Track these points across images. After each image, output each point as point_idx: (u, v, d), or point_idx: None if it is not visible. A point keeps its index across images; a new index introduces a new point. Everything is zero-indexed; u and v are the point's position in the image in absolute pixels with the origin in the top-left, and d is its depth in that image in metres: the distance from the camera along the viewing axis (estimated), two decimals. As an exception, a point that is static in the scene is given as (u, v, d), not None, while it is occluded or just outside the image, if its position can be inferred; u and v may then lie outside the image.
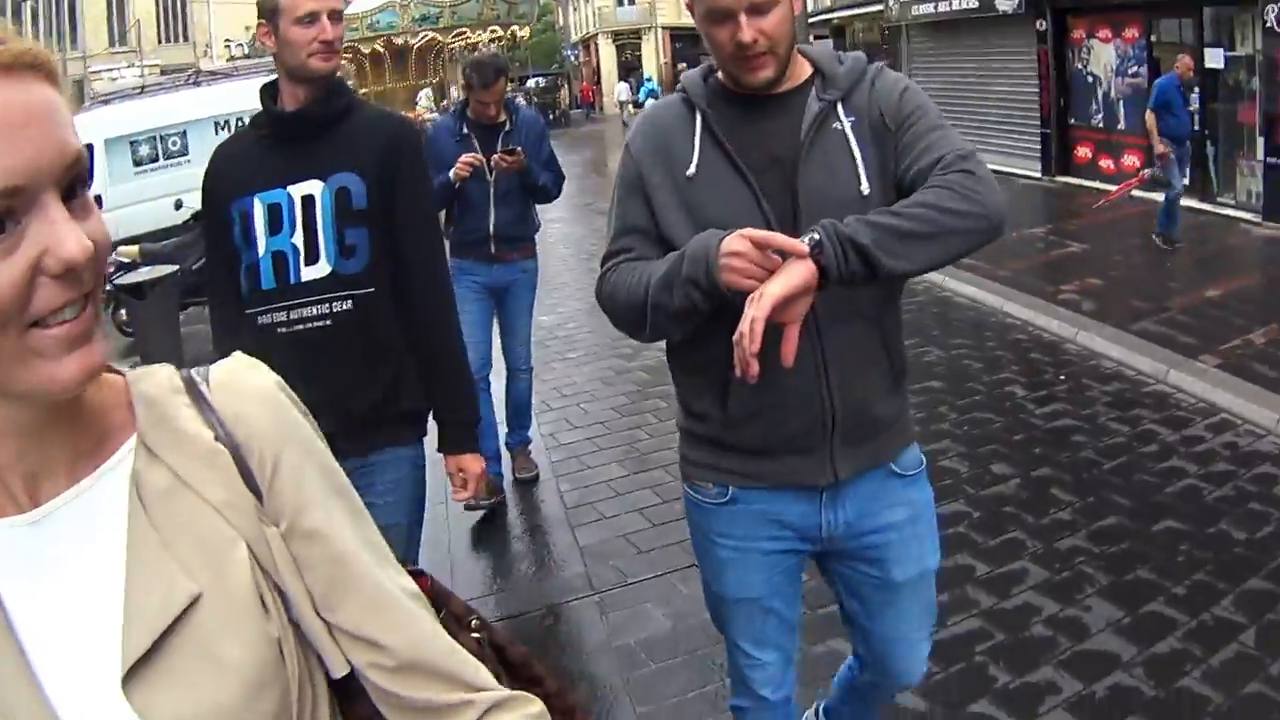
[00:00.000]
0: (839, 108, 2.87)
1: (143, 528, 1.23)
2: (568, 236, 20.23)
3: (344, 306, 3.63)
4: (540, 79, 66.04)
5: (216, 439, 1.31)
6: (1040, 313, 11.93)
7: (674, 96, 3.09)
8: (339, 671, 1.36)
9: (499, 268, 7.13)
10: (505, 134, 6.97)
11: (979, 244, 2.67)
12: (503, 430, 7.76)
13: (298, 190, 3.61)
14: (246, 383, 1.39)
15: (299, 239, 3.60)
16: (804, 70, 2.97)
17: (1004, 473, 7.66)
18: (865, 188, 2.79)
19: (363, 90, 44.49)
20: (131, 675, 1.16)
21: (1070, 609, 5.73)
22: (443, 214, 6.91)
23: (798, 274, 2.48)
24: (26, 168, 1.08)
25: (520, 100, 33.67)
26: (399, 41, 43.20)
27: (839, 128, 2.85)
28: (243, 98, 21.18)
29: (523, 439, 7.95)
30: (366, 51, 43.08)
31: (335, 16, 3.59)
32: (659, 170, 2.96)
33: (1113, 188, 17.72)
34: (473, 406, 3.98)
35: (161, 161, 18.85)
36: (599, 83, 68.32)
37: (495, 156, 6.70)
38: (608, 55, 68.91)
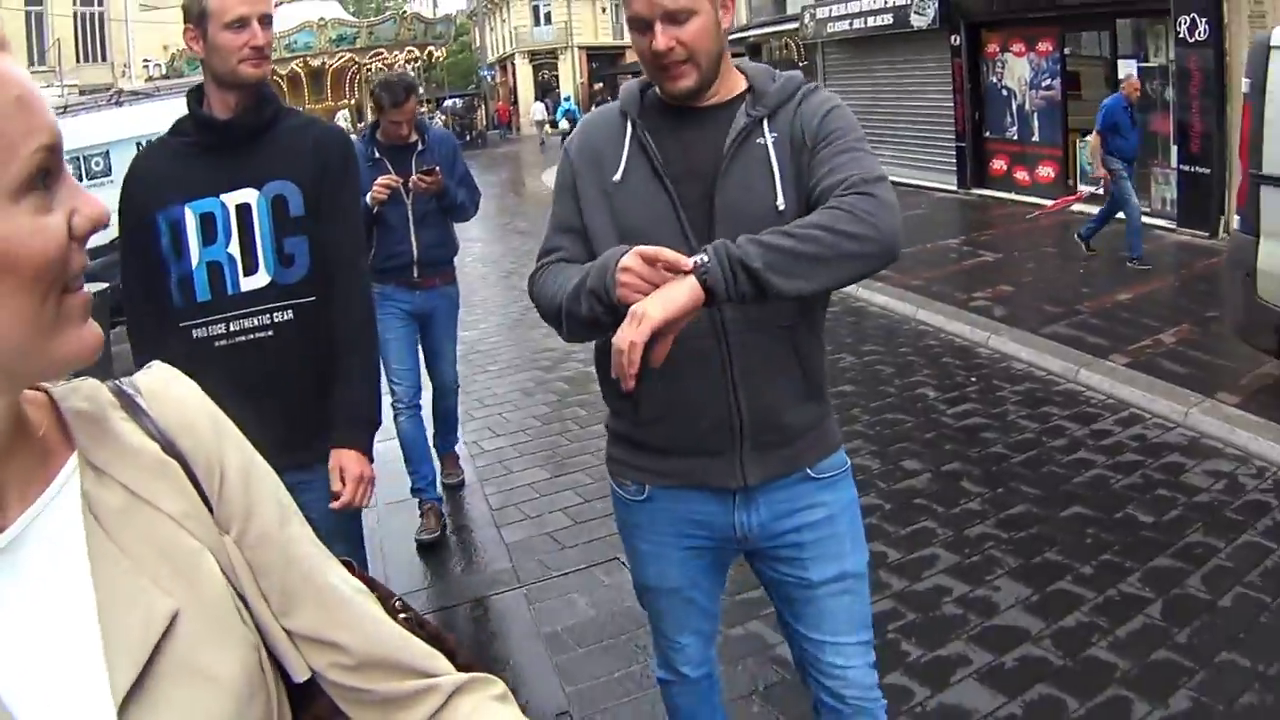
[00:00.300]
0: (764, 124, 2.91)
1: (106, 549, 1.18)
2: (487, 255, 20.30)
3: (285, 316, 3.60)
4: (457, 100, 65.99)
5: (163, 450, 1.29)
6: (952, 319, 12.17)
7: (613, 105, 3.12)
8: (301, 676, 1.34)
9: (421, 294, 6.99)
10: (419, 154, 6.85)
11: (872, 268, 2.70)
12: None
13: (232, 199, 3.55)
14: (180, 391, 1.38)
15: (235, 248, 3.55)
16: (738, 85, 3.01)
17: (915, 468, 7.87)
18: (781, 203, 2.83)
19: None
20: (125, 705, 1.12)
21: (980, 589, 5.93)
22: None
23: (681, 294, 2.49)
24: (54, 128, 1.11)
25: (438, 121, 33.88)
26: (316, 63, 43.18)
27: (762, 143, 2.89)
28: (164, 118, 21.14)
29: (451, 443, 8.00)
30: (284, 72, 42.83)
31: (265, 21, 3.53)
32: (589, 174, 3.02)
33: (1048, 202, 18.15)
34: (375, 411, 3.91)
35: (85, 182, 18.24)
36: (515, 103, 68.39)
37: (413, 178, 6.55)
38: (525, 75, 69.00)
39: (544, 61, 68.49)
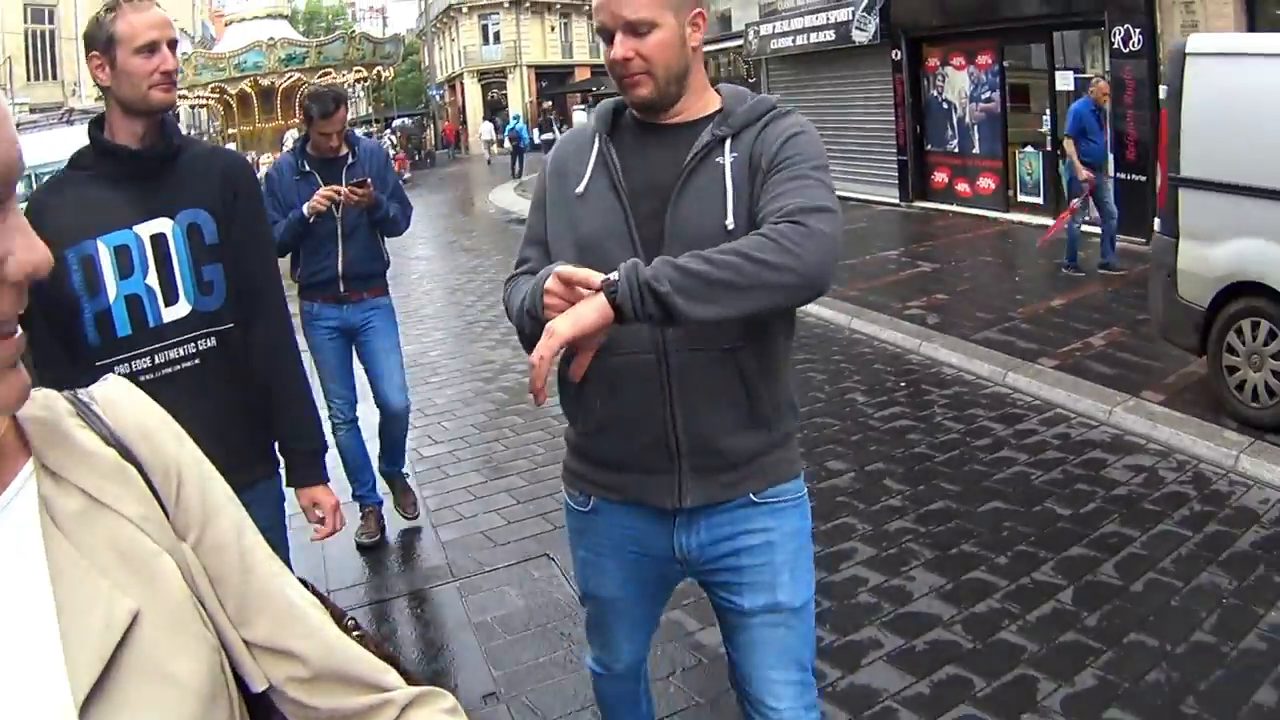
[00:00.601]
0: (726, 144, 2.91)
1: (65, 552, 1.18)
2: (433, 273, 20.36)
3: (210, 344, 3.57)
4: (406, 119, 66.06)
5: (120, 456, 1.29)
6: (885, 327, 12.37)
7: (588, 121, 3.15)
8: (258, 686, 1.34)
9: (350, 308, 6.81)
10: (348, 167, 6.66)
11: (793, 299, 2.71)
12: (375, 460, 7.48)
13: (146, 229, 3.47)
14: (135, 400, 1.38)
15: (153, 279, 3.48)
16: (711, 105, 3.02)
17: (839, 468, 8.05)
18: (730, 223, 2.82)
19: (230, 130, 44.71)
20: (86, 707, 1.11)
21: (895, 579, 6.12)
22: (287, 256, 6.69)
23: (590, 313, 2.55)
24: (6, 159, 1.11)
25: (388, 140, 33.58)
26: (265, 82, 43.56)
27: (720, 162, 2.89)
28: None
29: (398, 469, 7.55)
30: (234, 92, 43.57)
31: (173, 46, 3.49)
32: (557, 186, 3.08)
33: (1000, 216, 18.37)
34: (319, 436, 3.92)
35: None
36: (465, 122, 68.48)
37: (344, 190, 6.35)
38: (473, 94, 69.05)
39: (493, 81, 68.68)
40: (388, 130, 55.48)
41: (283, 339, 3.82)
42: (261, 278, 3.75)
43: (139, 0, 3.50)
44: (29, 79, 44.74)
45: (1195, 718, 4.71)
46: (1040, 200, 18.79)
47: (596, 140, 3.03)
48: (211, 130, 51.61)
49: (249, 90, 43.03)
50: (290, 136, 40.34)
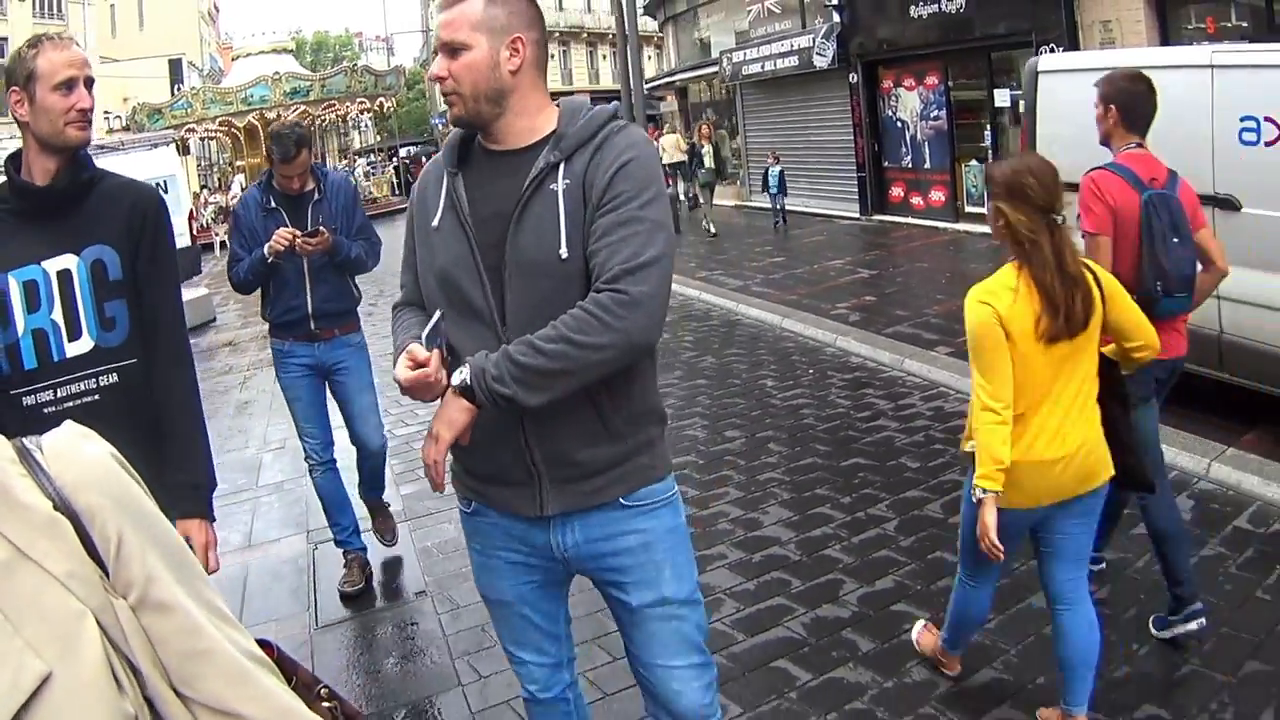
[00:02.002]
0: (560, 169, 2.92)
1: None
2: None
3: (110, 380, 3.56)
4: (411, 147, 66.67)
5: (55, 508, 1.28)
6: (810, 325, 13.42)
7: (441, 152, 3.23)
8: None
9: (322, 346, 6.59)
10: (315, 203, 6.44)
11: (623, 364, 2.84)
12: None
13: (53, 265, 3.47)
14: (83, 451, 1.37)
15: (59, 315, 3.47)
16: (550, 124, 3.04)
17: (733, 436, 9.22)
18: (564, 252, 2.86)
19: (239, 162, 44.81)
20: None
21: (752, 513, 7.30)
22: (258, 291, 6.67)
23: (458, 416, 2.79)
24: None
25: (388, 171, 33.46)
26: (272, 115, 43.16)
27: (554, 189, 2.91)
28: (127, 170, 22.34)
29: (377, 497, 7.37)
30: (241, 125, 43.87)
31: (89, 84, 3.49)
32: (419, 218, 3.17)
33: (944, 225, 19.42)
34: (207, 471, 3.82)
35: None
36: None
37: (298, 242, 6.10)
38: (474, 123, 69.80)
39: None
40: (391, 160, 56.00)
41: (181, 373, 3.79)
42: (163, 311, 3.73)
43: (60, 38, 3.53)
44: None
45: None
46: (985, 210, 19.85)
47: (444, 173, 3.12)
48: (221, 161, 52.02)
49: (255, 123, 43.24)
50: None
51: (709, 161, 24.23)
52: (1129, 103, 5.61)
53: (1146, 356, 4.41)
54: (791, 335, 13.30)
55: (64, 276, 3.47)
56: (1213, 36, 15.70)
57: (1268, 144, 7.63)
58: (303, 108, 44.32)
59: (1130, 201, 5.21)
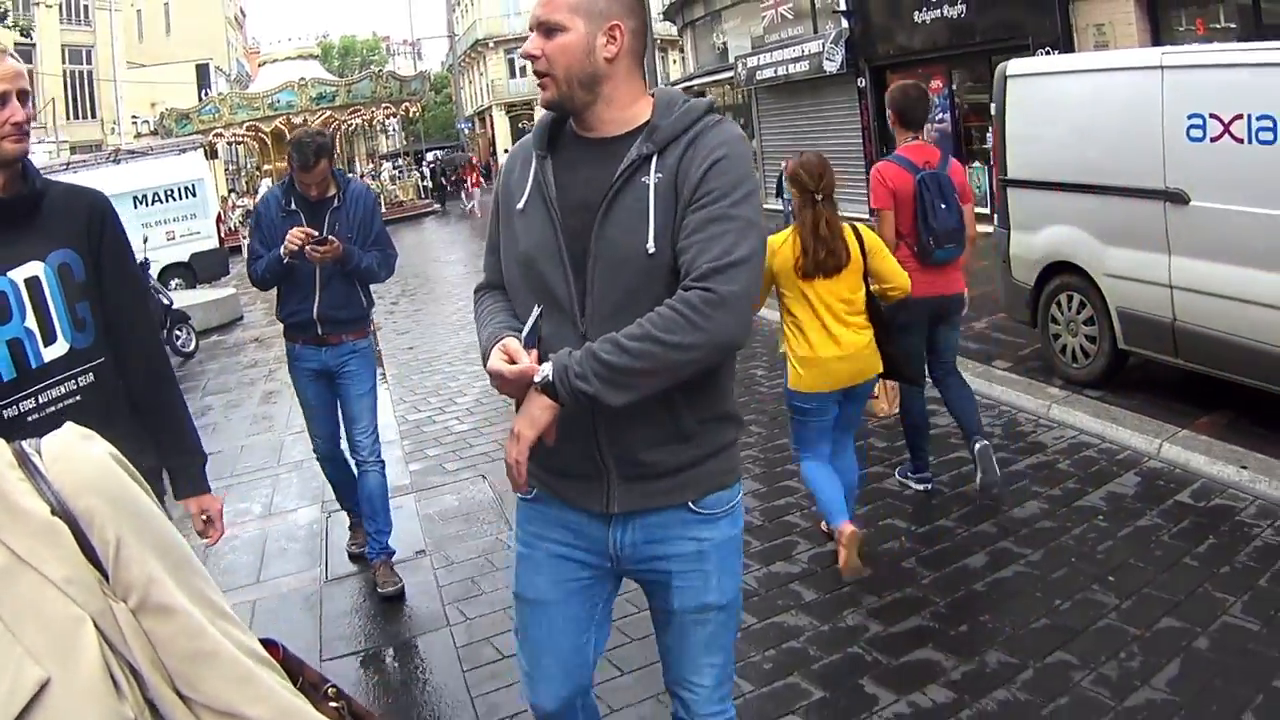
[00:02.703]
0: (653, 161, 2.87)
1: None
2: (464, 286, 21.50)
3: (87, 380, 3.57)
4: (438, 151, 67.18)
5: (53, 512, 1.28)
6: (804, 319, 13.77)
7: (531, 134, 3.16)
8: None
9: (329, 350, 6.63)
10: (333, 210, 6.49)
11: (709, 364, 2.83)
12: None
13: (19, 274, 3.44)
14: (81, 454, 1.36)
15: (32, 322, 3.45)
16: (644, 113, 2.99)
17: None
18: (651, 247, 2.81)
19: (265, 166, 45.48)
20: None
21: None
22: (270, 290, 6.82)
23: (541, 414, 2.76)
24: None
25: (384, 175, 33.49)
26: (298, 120, 43.45)
27: (646, 182, 2.86)
28: (156, 174, 23.61)
29: (382, 548, 6.93)
30: (268, 129, 44.54)
31: (24, 97, 3.41)
32: (505, 200, 3.12)
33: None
34: (199, 449, 3.96)
35: None
36: (494, 154, 69.68)
37: (307, 248, 6.15)
38: (502, 126, 70.25)
39: (521, 113, 69.34)
40: (417, 165, 56.42)
41: (157, 366, 3.89)
42: (132, 310, 3.80)
43: None
44: (68, 118, 46.03)
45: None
46: (986, 210, 20.28)
47: (534, 157, 3.04)
48: (249, 166, 52.57)
49: (282, 128, 43.60)
50: None
51: None
52: (904, 108, 7.30)
53: (896, 295, 6.31)
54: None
55: (32, 283, 3.47)
56: (1202, 37, 16.08)
57: (1213, 139, 8.03)
58: (329, 113, 45.05)
59: (906, 182, 7.05)
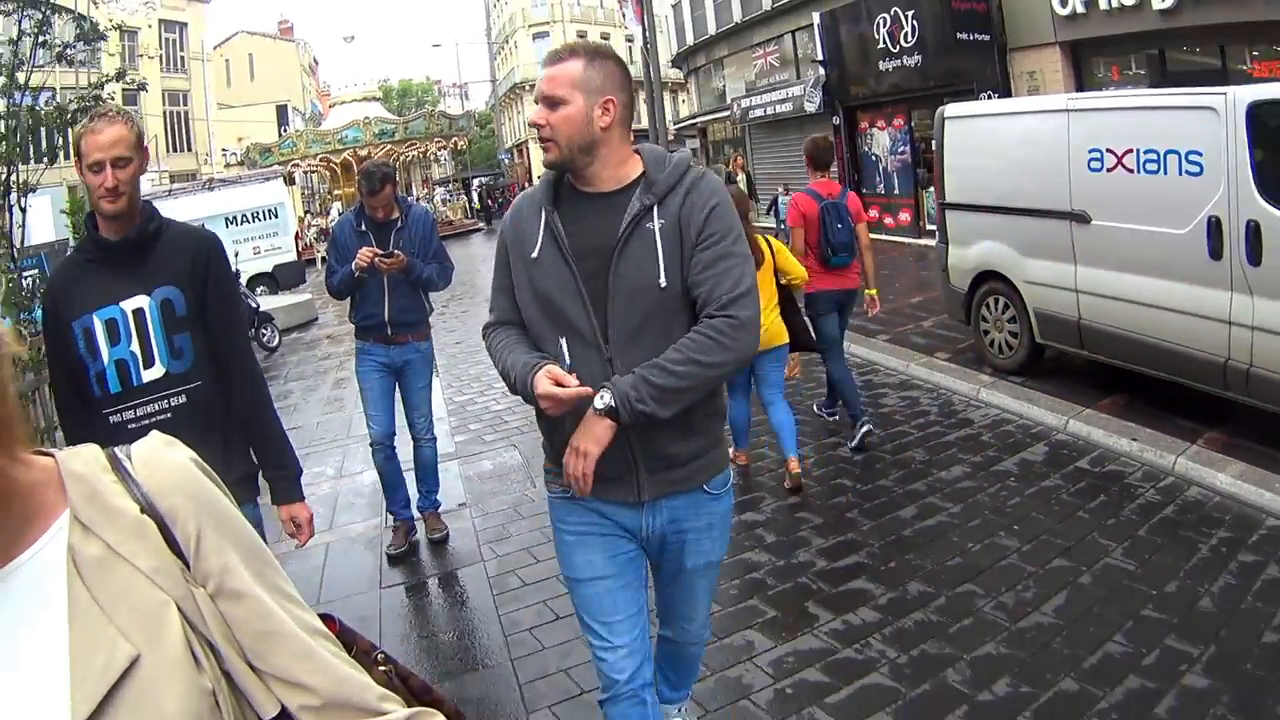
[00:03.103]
0: (654, 210, 2.95)
1: (82, 596, 1.19)
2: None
3: (179, 400, 3.61)
4: (483, 178, 67.05)
5: (142, 511, 1.29)
6: (785, 317, 14.01)
7: (536, 190, 3.17)
8: (269, 713, 1.34)
9: (395, 349, 6.75)
10: (398, 230, 6.62)
11: (733, 377, 3.29)
12: (414, 494, 7.33)
13: (129, 305, 3.53)
14: (166, 459, 1.37)
15: (135, 347, 3.54)
16: (634, 170, 3.07)
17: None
18: (663, 281, 2.92)
19: (335, 191, 45.45)
20: None
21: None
22: (347, 300, 6.88)
23: (604, 434, 2.87)
24: None
25: (439, 198, 33.38)
26: (363, 152, 43.51)
27: (651, 228, 2.94)
28: (243, 199, 24.49)
29: (432, 503, 7.28)
30: (338, 161, 44.60)
31: (120, 164, 3.44)
32: (516, 249, 3.12)
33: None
34: (294, 463, 3.97)
35: None
36: (531, 180, 69.48)
37: (376, 260, 6.32)
38: (536, 157, 69.53)
39: (551, 148, 69.53)
40: (464, 189, 56.53)
41: (256, 393, 3.89)
42: (234, 343, 3.82)
43: (107, 116, 3.53)
44: (168, 151, 46.47)
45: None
46: (935, 227, 20.62)
47: (542, 211, 3.07)
48: (321, 191, 52.73)
49: (350, 159, 43.83)
50: None
51: (742, 188, 23.37)
52: (813, 154, 8.52)
53: (798, 285, 7.37)
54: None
55: (138, 314, 3.55)
56: (1117, 82, 16.31)
57: (1109, 170, 8.33)
58: (389, 146, 45.08)
59: (813, 208, 8.17)
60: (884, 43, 21.65)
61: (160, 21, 45.33)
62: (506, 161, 73.98)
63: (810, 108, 24.98)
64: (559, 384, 2.83)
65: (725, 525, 3.36)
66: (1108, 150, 8.35)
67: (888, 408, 9.37)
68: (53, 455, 1.30)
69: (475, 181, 64.23)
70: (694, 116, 38.52)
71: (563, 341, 3.01)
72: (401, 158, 47.10)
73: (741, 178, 24.36)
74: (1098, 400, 8.80)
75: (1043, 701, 4.47)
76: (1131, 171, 8.12)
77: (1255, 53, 14.10)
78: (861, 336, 12.22)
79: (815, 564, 6.08)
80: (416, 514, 7.25)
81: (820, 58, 24.55)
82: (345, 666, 1.41)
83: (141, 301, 3.55)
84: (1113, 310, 8.60)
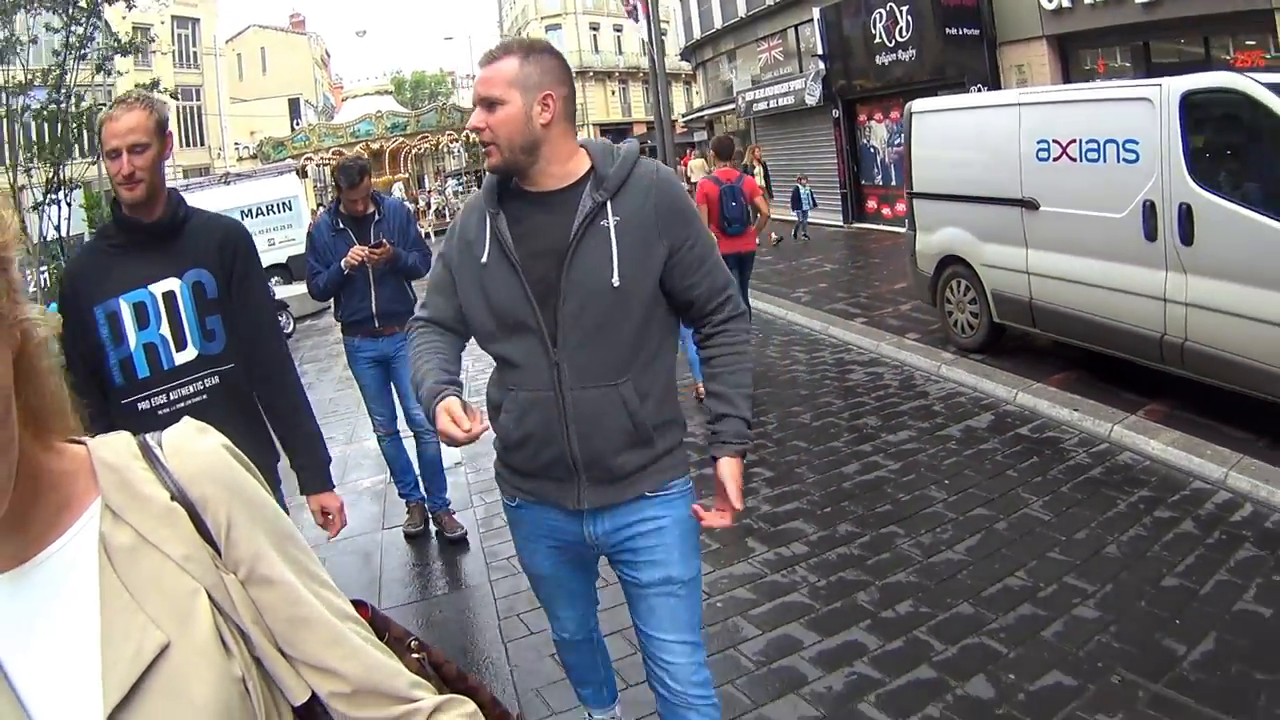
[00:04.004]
0: (608, 206, 2.86)
1: (113, 583, 1.20)
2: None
3: (213, 382, 3.59)
4: (494, 169, 67.46)
5: (173, 498, 1.29)
6: (771, 304, 14.76)
7: (479, 194, 3.09)
8: (299, 699, 1.35)
9: (384, 340, 6.81)
10: (376, 223, 6.67)
11: None
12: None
13: (159, 288, 3.50)
14: (197, 446, 1.37)
15: (165, 330, 3.51)
16: (581, 167, 2.97)
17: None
18: (616, 280, 2.83)
19: None
20: (114, 717, 1.15)
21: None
22: (330, 299, 7.04)
23: (740, 473, 3.01)
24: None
25: (448, 190, 33.82)
26: (376, 146, 44.89)
27: (605, 225, 2.85)
28: (259, 192, 25.45)
29: (442, 503, 7.27)
30: (350, 154, 44.84)
31: (137, 149, 3.43)
32: (463, 253, 3.06)
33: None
34: (323, 451, 3.92)
35: None
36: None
37: (366, 253, 6.41)
38: (547, 148, 70.18)
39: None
40: (451, 181, 56.67)
41: (284, 378, 3.86)
42: (262, 328, 3.78)
43: (126, 102, 3.52)
44: (181, 146, 47.11)
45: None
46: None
47: (486, 215, 2.99)
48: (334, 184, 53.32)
49: (362, 152, 43.57)
50: (398, 188, 42.12)
51: (760, 180, 22.60)
52: (718, 148, 10.69)
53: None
54: (758, 312, 14.21)
55: (169, 297, 3.52)
56: (1103, 74, 16.88)
57: (1055, 159, 9.09)
58: (401, 139, 45.76)
59: (714, 190, 10.04)
60: (880, 37, 22.21)
61: (173, 18, 45.88)
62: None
63: (811, 101, 25.59)
64: (456, 422, 2.78)
65: (681, 535, 3.15)
66: (1054, 141, 9.09)
67: (853, 382, 10.14)
68: (84, 443, 1.31)
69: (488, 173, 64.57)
70: (701, 109, 39.32)
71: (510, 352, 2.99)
72: (414, 150, 47.73)
73: (759, 170, 23.77)
74: (1050, 376, 9.46)
75: (939, 620, 5.17)
76: (1075, 160, 8.85)
77: (1249, 42, 14.55)
78: (841, 320, 12.97)
79: (760, 508, 6.84)
80: (422, 489, 7.31)
81: (820, 52, 25.11)
82: (376, 653, 1.42)
83: (172, 284, 3.55)
84: (1060, 290, 9.31)
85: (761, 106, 29.56)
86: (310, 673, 1.35)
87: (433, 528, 7.25)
